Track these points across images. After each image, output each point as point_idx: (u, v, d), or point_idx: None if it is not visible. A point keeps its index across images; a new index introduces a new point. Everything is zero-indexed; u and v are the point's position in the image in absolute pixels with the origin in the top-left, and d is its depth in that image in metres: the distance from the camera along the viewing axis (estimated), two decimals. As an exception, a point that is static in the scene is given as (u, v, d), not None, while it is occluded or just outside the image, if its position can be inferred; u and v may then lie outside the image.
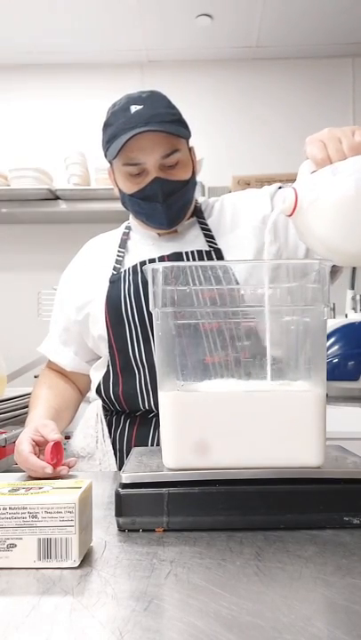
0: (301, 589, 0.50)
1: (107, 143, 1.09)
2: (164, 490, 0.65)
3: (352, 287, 2.03)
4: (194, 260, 1.11)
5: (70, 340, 1.22)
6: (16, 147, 2.79)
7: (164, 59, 2.84)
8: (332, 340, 1.81)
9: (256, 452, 0.67)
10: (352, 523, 0.64)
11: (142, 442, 1.09)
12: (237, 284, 0.77)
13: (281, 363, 0.74)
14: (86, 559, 0.57)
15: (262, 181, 2.47)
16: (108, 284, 1.14)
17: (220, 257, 1.11)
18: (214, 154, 2.67)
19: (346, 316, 2.00)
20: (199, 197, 1.26)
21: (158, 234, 1.17)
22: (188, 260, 1.11)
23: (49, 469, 0.88)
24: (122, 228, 1.26)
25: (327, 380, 0.71)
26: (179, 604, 0.48)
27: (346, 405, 1.66)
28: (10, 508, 0.56)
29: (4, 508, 0.56)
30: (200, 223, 1.18)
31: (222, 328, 0.75)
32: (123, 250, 1.19)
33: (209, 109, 2.81)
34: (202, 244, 1.14)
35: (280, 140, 2.78)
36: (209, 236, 1.16)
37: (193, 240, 1.16)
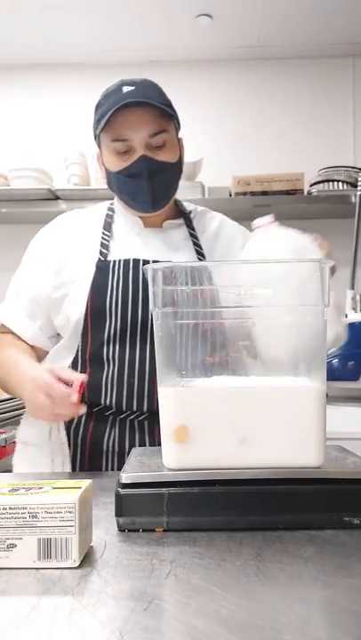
0: (301, 589, 0.50)
1: (97, 122, 1.10)
2: (163, 490, 0.65)
3: (352, 287, 2.03)
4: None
5: (37, 314, 1.16)
6: (16, 147, 2.79)
7: (165, 59, 2.84)
8: (332, 340, 1.81)
9: (257, 450, 0.67)
10: (352, 523, 0.64)
11: (98, 438, 1.07)
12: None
13: (282, 362, 0.74)
14: (86, 559, 0.57)
15: (262, 181, 2.47)
16: (94, 268, 1.12)
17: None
18: (214, 154, 2.67)
19: (346, 316, 2.00)
20: (186, 204, 1.27)
21: (143, 221, 1.17)
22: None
23: (74, 397, 0.88)
24: (103, 209, 1.23)
25: (327, 379, 0.72)
26: (178, 604, 0.48)
27: (346, 405, 1.66)
28: (10, 508, 0.56)
29: (3, 508, 0.56)
30: (188, 227, 1.19)
31: (222, 328, 0.75)
32: (108, 233, 1.17)
33: (209, 109, 2.81)
34: (190, 252, 1.15)
35: (280, 140, 2.78)
36: (197, 245, 1.16)
37: (180, 243, 1.17)
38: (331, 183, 2.49)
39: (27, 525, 0.55)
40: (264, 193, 2.47)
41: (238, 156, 2.77)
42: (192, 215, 1.23)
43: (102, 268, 1.11)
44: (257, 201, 2.47)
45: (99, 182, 2.51)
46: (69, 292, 1.12)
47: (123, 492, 0.65)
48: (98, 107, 1.11)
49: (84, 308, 1.09)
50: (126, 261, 1.11)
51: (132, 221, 1.18)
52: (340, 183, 2.50)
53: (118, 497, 0.65)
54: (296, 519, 0.65)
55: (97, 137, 1.13)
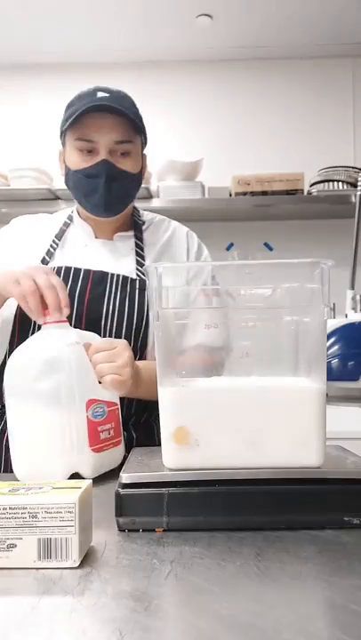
0: (301, 589, 0.50)
1: (65, 120, 1.11)
2: (164, 490, 0.65)
3: (352, 287, 2.03)
4: (117, 282, 1.13)
5: None
6: (16, 147, 2.79)
7: (165, 58, 2.84)
8: (332, 340, 1.81)
9: (257, 450, 0.67)
10: (352, 523, 0.64)
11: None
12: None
13: (282, 361, 0.74)
14: (86, 559, 0.57)
15: (262, 181, 2.47)
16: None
17: (142, 286, 1.13)
18: (214, 154, 2.67)
19: (346, 316, 2.00)
20: (146, 213, 1.28)
21: (95, 231, 1.18)
22: (111, 281, 1.12)
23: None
24: (62, 217, 1.24)
25: (327, 380, 0.71)
26: (179, 604, 0.48)
27: (346, 405, 1.66)
28: (10, 508, 0.56)
29: (3, 508, 0.56)
30: (136, 238, 1.20)
31: (224, 328, 0.75)
32: (57, 242, 1.18)
33: (209, 109, 2.81)
34: (130, 266, 1.16)
35: (281, 140, 2.78)
36: (140, 256, 1.17)
37: (125, 254, 1.18)
38: (331, 183, 2.49)
39: (27, 525, 0.55)
40: (264, 193, 2.48)
41: (238, 156, 2.77)
42: (145, 227, 1.24)
43: None
44: (257, 201, 2.47)
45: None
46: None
47: (123, 491, 0.65)
48: (69, 106, 1.12)
49: (14, 309, 1.10)
50: (59, 269, 1.12)
51: (85, 231, 1.20)
52: (340, 183, 2.50)
53: (118, 497, 0.65)
54: (296, 519, 0.65)
55: (62, 134, 1.14)
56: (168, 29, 2.63)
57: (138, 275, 1.15)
